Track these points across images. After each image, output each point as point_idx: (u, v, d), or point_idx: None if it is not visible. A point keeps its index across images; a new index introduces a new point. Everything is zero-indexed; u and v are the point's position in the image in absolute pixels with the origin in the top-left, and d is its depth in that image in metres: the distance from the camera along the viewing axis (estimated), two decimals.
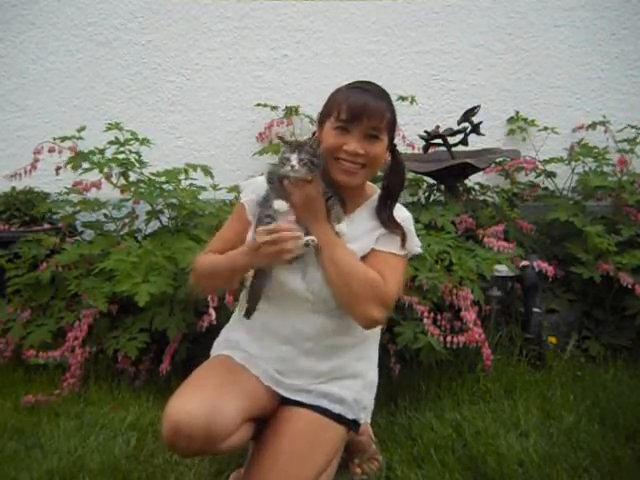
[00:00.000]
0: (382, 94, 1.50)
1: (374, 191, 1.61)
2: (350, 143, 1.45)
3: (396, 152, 1.58)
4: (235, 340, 1.60)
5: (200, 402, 1.37)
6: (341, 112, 1.45)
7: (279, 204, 1.43)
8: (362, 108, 1.44)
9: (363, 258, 1.53)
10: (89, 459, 1.83)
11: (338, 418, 1.53)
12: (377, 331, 1.65)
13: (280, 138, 1.45)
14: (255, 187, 1.57)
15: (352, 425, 1.58)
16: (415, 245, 1.60)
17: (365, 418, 1.63)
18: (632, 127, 3.25)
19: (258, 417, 1.51)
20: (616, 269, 2.59)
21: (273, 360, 1.55)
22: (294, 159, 1.39)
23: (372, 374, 1.65)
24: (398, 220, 1.56)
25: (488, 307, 2.52)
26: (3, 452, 1.89)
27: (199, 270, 1.57)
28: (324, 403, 1.53)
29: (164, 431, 1.36)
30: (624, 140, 3.21)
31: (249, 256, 1.44)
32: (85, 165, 2.59)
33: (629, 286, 2.55)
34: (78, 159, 2.61)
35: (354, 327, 1.54)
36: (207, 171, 2.75)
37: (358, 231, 1.54)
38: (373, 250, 1.54)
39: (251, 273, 1.56)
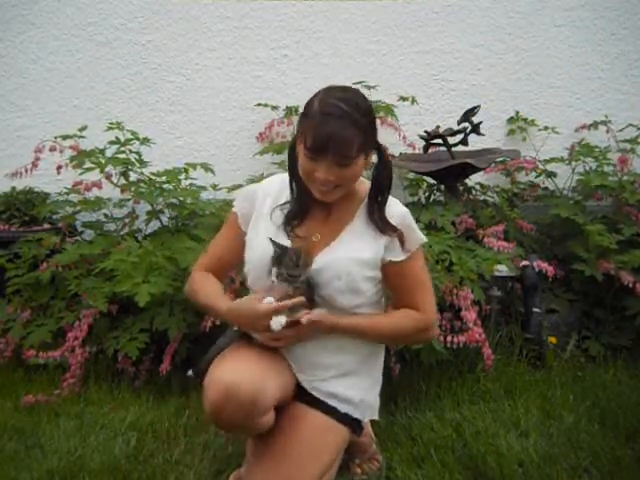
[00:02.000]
0: (352, 117, 1.38)
1: (366, 187, 1.58)
2: (319, 171, 1.42)
3: (382, 149, 1.54)
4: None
5: (250, 371, 1.40)
6: (307, 141, 1.40)
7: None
8: (327, 142, 1.37)
9: (384, 271, 1.54)
10: (89, 459, 1.83)
11: (344, 418, 1.54)
12: None
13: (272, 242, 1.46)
14: (246, 196, 1.59)
15: (356, 426, 1.59)
16: (420, 238, 1.57)
17: (371, 415, 1.64)
18: (634, 126, 3.24)
19: (282, 403, 1.52)
20: (617, 268, 2.59)
21: (287, 355, 1.55)
22: (273, 274, 1.43)
23: (378, 373, 1.66)
24: (396, 217, 1.54)
25: (488, 307, 2.52)
26: (3, 452, 1.89)
27: (192, 289, 1.62)
28: (333, 402, 1.54)
29: (212, 395, 1.37)
30: (626, 140, 3.20)
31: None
32: (87, 164, 2.59)
33: (630, 285, 2.54)
34: (82, 157, 2.61)
35: None
36: (207, 168, 2.75)
37: (366, 243, 1.53)
38: (391, 263, 1.53)
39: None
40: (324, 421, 1.52)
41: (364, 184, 1.59)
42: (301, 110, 1.49)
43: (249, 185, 1.65)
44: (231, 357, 1.48)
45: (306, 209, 1.54)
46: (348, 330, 1.51)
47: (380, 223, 1.52)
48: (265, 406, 1.40)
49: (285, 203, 1.56)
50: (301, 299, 1.43)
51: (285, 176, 1.58)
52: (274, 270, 1.43)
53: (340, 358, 1.55)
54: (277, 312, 1.41)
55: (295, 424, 1.50)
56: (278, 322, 1.41)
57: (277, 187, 1.60)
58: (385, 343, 1.62)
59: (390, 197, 1.58)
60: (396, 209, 1.56)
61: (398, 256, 1.53)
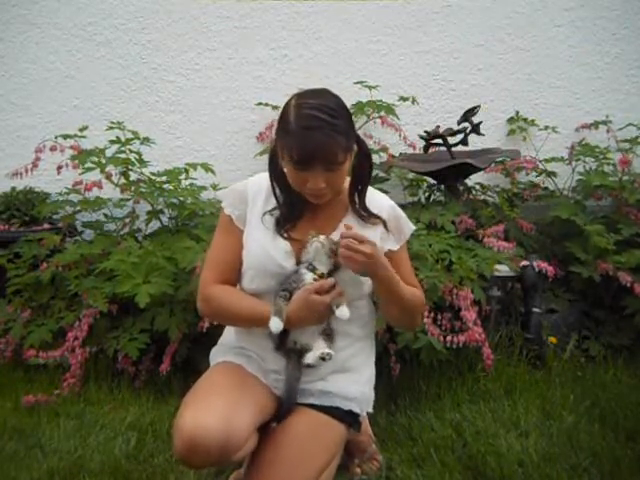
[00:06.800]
0: (331, 125, 1.38)
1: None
2: (311, 181, 1.42)
3: (360, 142, 1.54)
4: (239, 346, 1.59)
5: (216, 416, 1.33)
6: (293, 156, 1.39)
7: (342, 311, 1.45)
8: (313, 155, 1.37)
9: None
10: (89, 459, 1.84)
11: (340, 414, 1.53)
12: (373, 324, 1.68)
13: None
14: (236, 195, 1.56)
15: (353, 422, 1.58)
16: (411, 226, 1.62)
17: (367, 408, 1.63)
18: (634, 126, 3.24)
19: (263, 423, 1.50)
20: (615, 268, 2.58)
21: (279, 357, 1.54)
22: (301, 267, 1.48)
23: (373, 365, 1.66)
24: (386, 209, 1.57)
25: (488, 307, 2.52)
26: (3, 452, 1.90)
27: (215, 306, 1.53)
28: (336, 402, 1.53)
29: (178, 446, 1.32)
30: (627, 140, 3.20)
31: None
32: (87, 164, 2.59)
33: (628, 285, 2.53)
34: (83, 156, 2.61)
35: (360, 322, 1.57)
36: (207, 168, 2.76)
37: (364, 234, 1.52)
38: (390, 252, 1.55)
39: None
40: (319, 419, 1.51)
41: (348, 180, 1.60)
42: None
43: (235, 185, 1.61)
44: (198, 396, 1.43)
45: (297, 212, 1.53)
46: (393, 280, 1.49)
47: (363, 213, 1.55)
48: (237, 446, 1.35)
49: (274, 209, 1.54)
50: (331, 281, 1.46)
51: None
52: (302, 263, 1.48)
53: (338, 354, 1.53)
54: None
55: (290, 424, 1.49)
56: (344, 312, 1.44)
57: (265, 187, 1.57)
58: (402, 310, 1.54)
59: (376, 191, 1.62)
60: (384, 202, 1.60)
61: (394, 245, 1.57)
